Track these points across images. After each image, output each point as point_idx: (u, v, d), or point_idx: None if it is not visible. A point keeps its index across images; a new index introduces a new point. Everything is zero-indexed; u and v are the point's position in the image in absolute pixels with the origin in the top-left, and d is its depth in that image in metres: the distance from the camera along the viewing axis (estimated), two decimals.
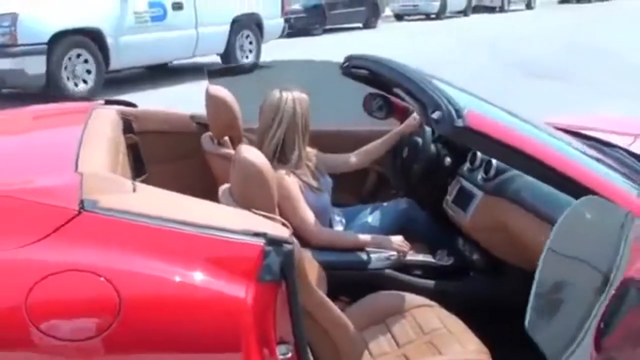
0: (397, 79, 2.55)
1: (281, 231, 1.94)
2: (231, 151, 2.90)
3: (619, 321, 1.80)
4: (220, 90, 2.99)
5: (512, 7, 29.07)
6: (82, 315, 1.73)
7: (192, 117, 3.34)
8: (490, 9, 27.90)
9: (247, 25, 12.78)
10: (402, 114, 3.49)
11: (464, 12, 26.12)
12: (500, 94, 8.80)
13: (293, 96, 2.91)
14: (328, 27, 19.36)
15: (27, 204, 1.89)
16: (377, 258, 2.92)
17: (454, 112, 2.13)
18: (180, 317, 1.78)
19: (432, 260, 3.02)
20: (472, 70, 11.63)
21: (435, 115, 2.17)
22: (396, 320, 2.63)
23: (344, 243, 2.93)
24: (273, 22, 13.43)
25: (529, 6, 30.39)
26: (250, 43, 13.00)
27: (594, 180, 2.16)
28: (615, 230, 2.02)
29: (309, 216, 2.87)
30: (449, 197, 3.08)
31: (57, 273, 1.74)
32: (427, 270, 3.00)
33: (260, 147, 2.94)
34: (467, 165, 3.05)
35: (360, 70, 2.98)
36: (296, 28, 18.50)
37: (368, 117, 3.53)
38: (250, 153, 2.20)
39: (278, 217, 2.12)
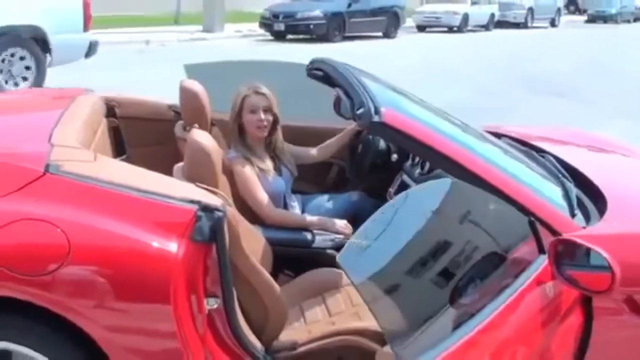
0: (339, 80, 2.91)
1: (215, 200, 2.30)
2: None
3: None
4: (192, 83, 3.37)
5: (536, 24, 29.26)
6: (37, 256, 2.12)
7: (170, 107, 3.72)
8: (514, 25, 28.11)
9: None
10: None
11: (486, 27, 26.38)
12: (504, 108, 9.26)
13: (246, 89, 3.34)
14: (348, 34, 19.71)
15: (2, 165, 2.29)
16: (321, 239, 3.26)
17: (372, 109, 2.47)
18: (119, 267, 2.17)
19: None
20: (481, 84, 11.94)
21: (359, 111, 2.52)
22: (331, 294, 2.98)
23: (293, 222, 3.31)
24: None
25: (553, 24, 30.58)
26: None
27: (491, 174, 2.48)
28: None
29: (262, 197, 3.25)
30: (392, 189, 3.42)
31: (20, 220, 2.13)
32: None
33: (229, 132, 3.34)
34: (409, 161, 3.40)
35: (318, 71, 3.33)
36: (316, 34, 18.91)
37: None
38: (199, 136, 2.58)
39: (218, 191, 2.49)
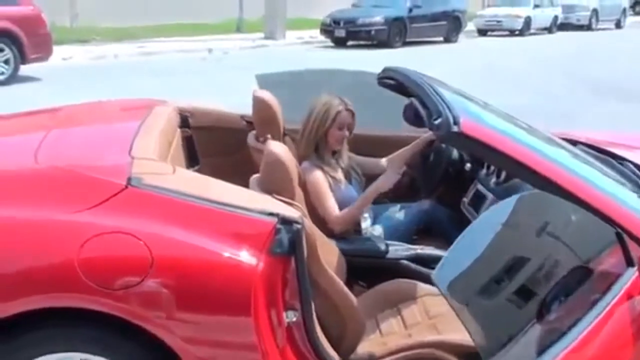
0: (414, 89, 2.88)
1: (293, 212, 2.30)
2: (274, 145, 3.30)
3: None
4: (264, 93, 3.39)
5: (601, 25, 28.62)
6: (120, 269, 2.14)
7: (242, 116, 3.75)
8: (577, 27, 27.55)
9: None
10: None
11: (548, 29, 25.92)
12: (572, 113, 9.06)
13: (324, 100, 3.29)
14: (409, 40, 19.60)
15: (86, 178, 2.34)
16: (394, 249, 3.23)
17: (451, 119, 2.43)
18: (200, 278, 2.19)
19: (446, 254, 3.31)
20: (547, 89, 11.71)
21: (437, 121, 2.49)
22: (407, 305, 2.94)
23: (358, 210, 3.27)
24: None
25: (618, 25, 29.86)
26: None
27: (576, 185, 2.42)
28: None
29: (332, 205, 3.26)
30: (466, 199, 3.38)
31: (104, 234, 2.16)
32: None
33: (300, 143, 3.33)
34: (484, 170, 3.35)
35: (391, 80, 3.31)
36: (377, 40, 18.86)
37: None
38: (277, 147, 2.58)
39: (295, 203, 2.49)
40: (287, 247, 2.22)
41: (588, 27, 27.92)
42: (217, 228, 2.24)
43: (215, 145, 3.69)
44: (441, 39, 21.09)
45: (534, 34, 24.86)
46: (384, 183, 3.23)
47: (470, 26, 23.85)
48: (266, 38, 20.11)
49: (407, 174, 4.02)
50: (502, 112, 2.99)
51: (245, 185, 2.68)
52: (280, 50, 18.15)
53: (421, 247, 3.35)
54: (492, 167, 3.29)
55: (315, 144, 3.33)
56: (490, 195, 3.16)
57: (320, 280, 2.48)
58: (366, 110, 3.98)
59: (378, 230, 3.48)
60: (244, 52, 17.48)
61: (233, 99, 3.57)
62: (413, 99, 2.92)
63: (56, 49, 12.73)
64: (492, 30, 24.68)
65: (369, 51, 17.77)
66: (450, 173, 3.48)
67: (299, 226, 2.25)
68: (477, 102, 2.95)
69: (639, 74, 13.69)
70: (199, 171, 3.64)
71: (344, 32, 19.15)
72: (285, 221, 2.25)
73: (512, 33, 24.43)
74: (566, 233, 2.37)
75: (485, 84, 10.35)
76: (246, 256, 2.19)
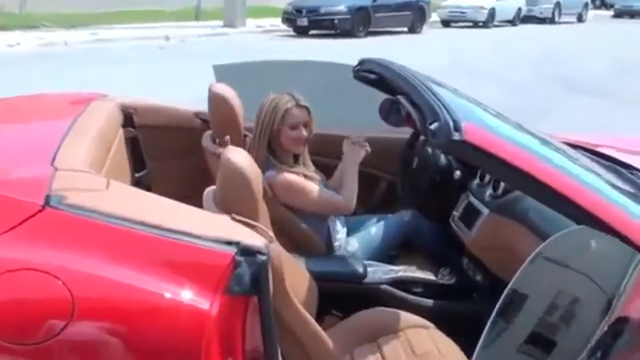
0: (401, 86, 2.43)
1: (257, 240, 1.83)
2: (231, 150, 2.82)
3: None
4: (222, 88, 2.90)
5: (563, 19, 28.57)
6: (33, 317, 1.64)
7: (197, 114, 3.25)
8: (540, 20, 27.45)
9: None
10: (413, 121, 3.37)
11: (512, 22, 25.76)
12: (542, 109, 8.71)
13: (271, 97, 2.90)
14: (372, 29, 19.18)
15: None
16: (374, 271, 2.80)
17: (451, 124, 1.99)
18: (136, 326, 1.69)
19: (434, 278, 2.89)
20: (513, 83, 11.40)
21: (433, 126, 2.04)
22: (388, 339, 2.50)
23: (353, 184, 3.00)
24: None
25: (580, 19, 29.87)
26: None
27: (596, 203, 2.01)
28: (618, 263, 1.89)
29: (330, 194, 2.94)
30: (456, 213, 2.93)
31: (11, 271, 1.66)
32: (427, 288, 2.87)
33: (254, 147, 2.86)
34: (476, 180, 2.91)
35: (371, 74, 2.86)
36: (340, 29, 18.41)
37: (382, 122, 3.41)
38: (236, 154, 2.10)
39: (259, 225, 2.02)
40: (248, 284, 1.75)
41: (551, 20, 27.84)
42: (160, 261, 1.75)
43: (164, 147, 3.19)
44: (405, 29, 20.73)
45: (498, 26, 24.66)
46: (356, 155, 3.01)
47: (434, 17, 23.54)
48: (225, 26, 19.55)
49: (384, 180, 3.58)
50: (498, 113, 2.54)
51: (200, 194, 2.21)
52: (240, 38, 17.59)
53: (403, 267, 2.91)
54: (487, 177, 2.85)
55: (269, 149, 2.89)
56: (485, 210, 2.71)
57: (287, 318, 2.04)
58: (337, 107, 3.53)
59: (353, 244, 3.03)
60: (203, 40, 16.90)
61: (190, 91, 3.05)
62: (400, 97, 2.47)
63: (2, 35, 12.02)
64: (456, 22, 24.43)
65: (332, 41, 17.33)
66: (436, 181, 3.03)
67: (263, 258, 1.77)
68: (475, 102, 2.50)
69: (607, 68, 13.49)
70: (145, 177, 3.15)
71: (306, 21, 18.67)
72: (247, 251, 1.77)
73: (475, 24, 24.18)
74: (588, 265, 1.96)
75: (451, 76, 9.88)
76: (196, 297, 1.70)
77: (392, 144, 3.42)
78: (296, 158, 2.99)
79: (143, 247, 1.76)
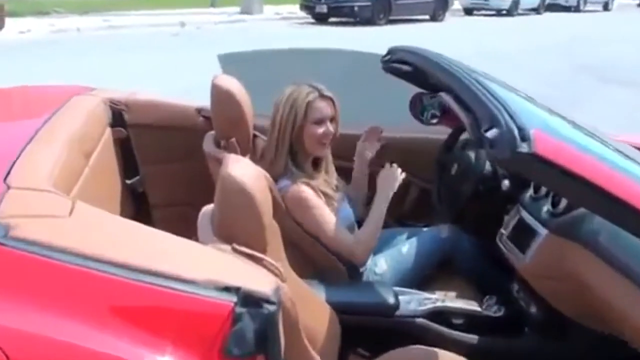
0: (446, 81, 1.96)
1: (263, 282, 1.39)
2: (232, 155, 2.37)
3: None
4: (227, 81, 2.44)
5: (589, 7, 27.84)
6: None
7: (199, 110, 2.79)
8: (565, 8, 26.76)
9: None
10: (453, 119, 2.90)
11: (536, 10, 25.08)
12: (573, 100, 8.19)
13: (289, 91, 2.44)
14: (393, 17, 18.62)
15: None
16: (407, 301, 2.35)
17: (516, 131, 1.53)
18: None
19: (478, 308, 2.43)
20: (542, 73, 10.86)
21: (491, 133, 1.58)
22: None
23: (375, 227, 2.48)
24: None
25: (606, 8, 29.13)
26: None
27: None
28: None
29: (339, 229, 2.42)
30: (505, 231, 2.46)
31: None
32: (470, 321, 2.41)
33: (271, 153, 2.42)
34: (530, 192, 2.43)
35: (404, 65, 2.40)
36: (360, 17, 17.87)
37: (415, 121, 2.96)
38: (236, 166, 1.65)
39: (267, 259, 1.57)
40: (252, 345, 1.32)
41: (576, 9, 27.15)
42: (133, 316, 1.32)
43: (161, 149, 2.75)
44: (427, 17, 20.12)
45: (522, 14, 24.00)
46: (391, 183, 2.52)
47: (457, 5, 22.93)
48: (243, 13, 19.08)
49: (416, 186, 3.11)
50: (564, 116, 2.07)
51: (203, 204, 1.78)
52: (258, 25, 17.11)
53: (441, 295, 2.46)
54: (544, 190, 2.37)
55: (289, 153, 2.43)
56: (543, 231, 2.23)
57: None
58: (361, 102, 3.08)
59: (381, 265, 2.58)
60: (219, 27, 16.42)
61: (204, 81, 2.57)
62: (443, 94, 2.00)
63: (13, 22, 11.66)
64: (479, 10, 23.79)
65: (352, 28, 16.81)
66: (480, 191, 2.55)
67: (272, 308, 1.34)
68: (532, 100, 2.02)
69: (634, 57, 12.91)
70: (139, 184, 2.71)
71: (326, 8, 18.10)
72: (251, 300, 1.34)
73: (498, 13, 23.54)
74: None
75: (479, 66, 9.36)
76: None
77: (426, 145, 2.96)
78: (316, 163, 2.54)
79: (111, 295, 1.32)
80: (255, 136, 2.63)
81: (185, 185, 2.69)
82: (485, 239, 2.63)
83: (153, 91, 3.03)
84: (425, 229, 2.78)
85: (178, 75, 8.41)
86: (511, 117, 1.59)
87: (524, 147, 1.52)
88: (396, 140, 2.99)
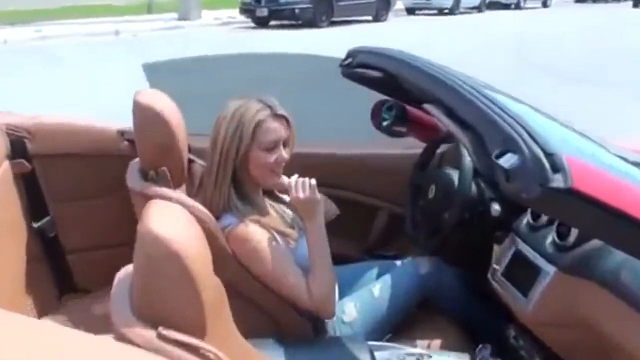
0: (433, 90, 1.53)
1: None
2: (164, 190, 1.90)
3: None
4: (153, 96, 1.96)
5: (528, 4, 27.92)
6: None
7: (122, 133, 2.31)
8: (505, 6, 26.79)
9: None
10: (425, 130, 2.50)
11: (478, 9, 24.99)
12: (529, 98, 7.87)
13: (236, 106, 1.97)
14: (335, 19, 18.21)
15: None
16: (384, 358, 1.91)
17: (544, 160, 1.12)
18: None
19: None
20: (492, 72, 10.55)
21: (508, 161, 1.17)
22: None
23: (328, 270, 1.99)
24: None
25: (545, 4, 29.28)
26: None
27: None
28: None
29: (300, 280, 1.96)
30: (498, 266, 2.04)
31: None
32: None
33: (211, 183, 1.97)
34: (526, 218, 2.02)
35: (370, 70, 1.97)
36: (302, 19, 17.44)
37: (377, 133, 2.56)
38: (161, 219, 1.19)
39: (205, 346, 1.12)
40: None
41: (516, 6, 27.18)
42: None
43: (75, 182, 2.26)
44: (370, 18, 19.78)
45: (464, 12, 23.87)
46: (310, 206, 1.97)
47: (399, 5, 22.67)
48: (180, 19, 18.44)
49: (384, 211, 2.69)
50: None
51: (129, 247, 1.32)
52: (197, 31, 16.50)
53: (425, 345, 2.04)
54: (543, 217, 1.96)
55: (233, 183, 1.98)
56: (549, 269, 1.81)
57: None
58: (314, 115, 2.65)
59: (350, 312, 2.15)
60: (156, 35, 15.77)
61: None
62: (429, 107, 1.57)
63: None
64: (421, 9, 23.55)
65: (294, 31, 16.34)
66: (465, 219, 2.13)
67: None
68: (540, 111, 1.61)
69: (580, 54, 12.79)
70: (50, 225, 2.22)
71: (266, 11, 17.57)
72: None
73: (441, 12, 23.37)
74: None
75: None
76: None
77: (396, 162, 2.55)
78: (268, 193, 2.10)
79: None
80: (191, 161, 2.17)
81: (108, 225, 2.22)
82: (472, 273, 2.22)
83: (70, 111, 2.52)
84: (398, 262, 2.35)
85: (106, 89, 7.82)
86: (533, 138, 1.18)
87: (558, 181, 1.10)
88: (360, 157, 2.57)
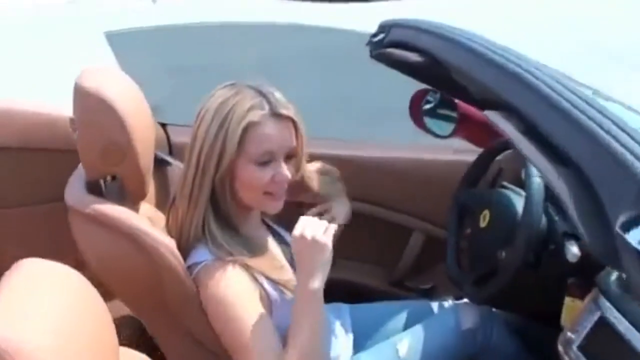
0: (506, 92, 0.97)
1: None
2: (109, 208, 1.37)
3: None
4: (102, 76, 1.40)
5: None
6: None
7: (74, 121, 1.76)
8: None
9: None
10: (480, 129, 1.93)
11: None
12: None
13: (222, 97, 1.41)
14: None
15: None
16: None
17: None
18: None
19: None
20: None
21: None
22: None
23: (313, 345, 1.32)
24: None
25: None
26: None
27: None
28: None
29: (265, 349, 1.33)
30: (573, 335, 1.46)
31: None
32: None
33: (184, 202, 1.43)
34: (613, 272, 1.44)
35: (408, 52, 1.41)
36: None
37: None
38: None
39: None
40: None
41: None
42: None
43: (11, 183, 1.73)
44: None
45: None
46: (313, 253, 1.32)
47: None
48: None
49: (420, 233, 2.12)
50: None
51: None
52: None
53: None
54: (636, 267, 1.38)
55: (211, 205, 1.43)
56: None
57: None
58: (339, 107, 2.10)
59: None
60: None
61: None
62: (495, 115, 1.00)
63: None
64: None
65: None
66: (531, 262, 1.55)
67: None
68: None
69: None
70: None
71: None
72: None
73: None
74: None
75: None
76: None
77: (438, 171, 2.00)
78: (256, 219, 1.56)
79: None
80: (161, 162, 1.63)
81: (52, 239, 1.69)
82: (533, 333, 1.66)
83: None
84: (435, 305, 1.79)
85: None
86: None
87: None
88: (391, 163, 2.00)
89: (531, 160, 0.86)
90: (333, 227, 1.32)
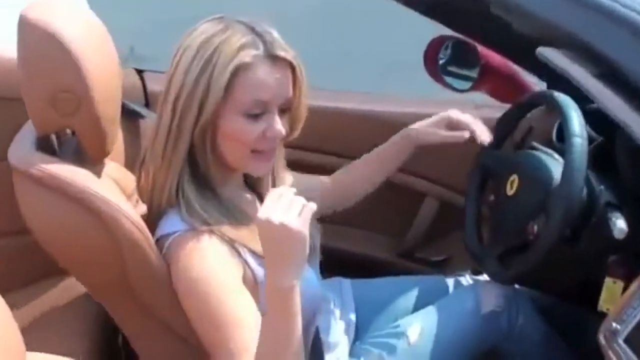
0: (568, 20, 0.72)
1: None
2: (57, 168, 1.13)
3: None
4: (53, 8, 1.16)
5: None
6: None
7: None
8: None
9: None
10: (505, 83, 1.70)
11: None
12: None
13: (205, 34, 1.16)
14: None
15: None
16: None
17: None
18: None
19: None
20: None
21: None
22: None
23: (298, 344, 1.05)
24: None
25: None
26: None
27: None
28: None
29: (243, 334, 1.08)
30: (618, 326, 1.24)
31: None
32: None
33: (156, 159, 1.19)
34: None
35: None
36: None
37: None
38: None
39: None
40: None
41: None
42: None
43: None
44: None
45: None
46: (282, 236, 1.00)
47: None
48: None
49: (433, 198, 1.89)
50: None
51: None
52: None
53: None
54: None
55: (188, 164, 1.19)
56: None
57: None
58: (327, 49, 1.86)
59: None
60: None
61: None
62: (554, 53, 0.76)
63: None
64: None
65: None
66: (567, 236, 1.32)
67: None
68: None
69: None
70: None
71: None
72: None
73: None
74: None
75: None
76: None
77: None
78: (251, 184, 1.32)
79: None
80: (132, 113, 1.40)
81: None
82: (567, 318, 1.44)
83: None
84: (450, 281, 1.58)
85: None
86: None
87: None
88: (401, 118, 1.76)
89: (609, 109, 0.63)
90: (311, 207, 1.01)
